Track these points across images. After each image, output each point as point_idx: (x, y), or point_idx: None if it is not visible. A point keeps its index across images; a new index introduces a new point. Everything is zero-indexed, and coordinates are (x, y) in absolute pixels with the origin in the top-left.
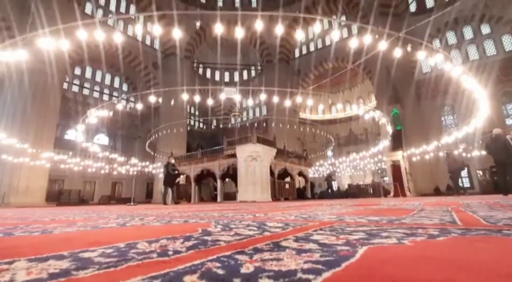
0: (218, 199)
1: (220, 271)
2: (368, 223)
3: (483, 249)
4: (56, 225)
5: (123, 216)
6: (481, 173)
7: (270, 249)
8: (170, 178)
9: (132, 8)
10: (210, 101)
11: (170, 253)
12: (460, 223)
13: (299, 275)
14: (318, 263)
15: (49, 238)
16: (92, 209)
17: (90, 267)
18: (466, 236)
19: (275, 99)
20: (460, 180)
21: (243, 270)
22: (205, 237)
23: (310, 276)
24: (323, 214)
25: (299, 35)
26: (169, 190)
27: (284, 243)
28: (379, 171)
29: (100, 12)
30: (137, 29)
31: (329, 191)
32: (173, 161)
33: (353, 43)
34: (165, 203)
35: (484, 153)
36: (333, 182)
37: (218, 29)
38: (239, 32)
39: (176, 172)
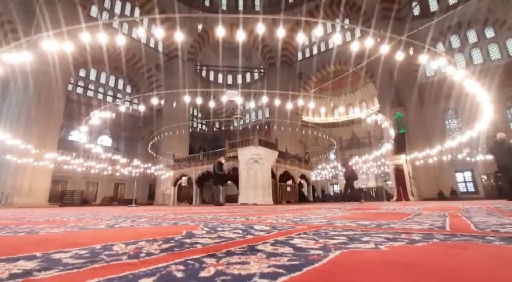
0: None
1: (180, 275)
2: (356, 227)
3: (458, 255)
4: (45, 225)
5: (117, 217)
6: (485, 177)
7: (242, 252)
8: (220, 177)
9: (137, 11)
10: (212, 104)
11: (142, 255)
12: (448, 229)
13: (255, 279)
14: (281, 268)
15: (31, 238)
16: (92, 210)
17: (54, 268)
18: (447, 242)
19: (277, 102)
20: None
21: (202, 274)
22: (185, 240)
23: (265, 281)
24: (316, 217)
25: (301, 38)
26: (221, 189)
27: (260, 247)
28: (382, 175)
29: (105, 14)
30: (141, 32)
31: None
32: (223, 161)
33: (355, 47)
34: (220, 204)
35: (488, 157)
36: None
37: (221, 32)
38: (242, 35)
39: (223, 172)
